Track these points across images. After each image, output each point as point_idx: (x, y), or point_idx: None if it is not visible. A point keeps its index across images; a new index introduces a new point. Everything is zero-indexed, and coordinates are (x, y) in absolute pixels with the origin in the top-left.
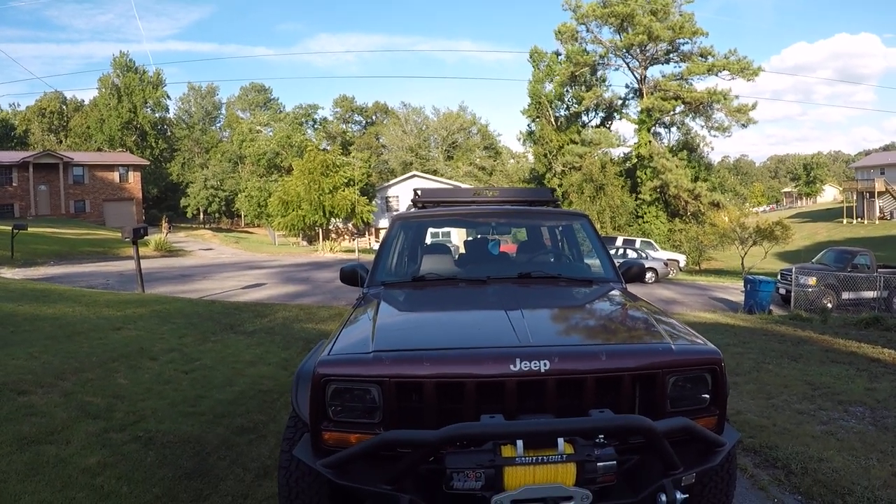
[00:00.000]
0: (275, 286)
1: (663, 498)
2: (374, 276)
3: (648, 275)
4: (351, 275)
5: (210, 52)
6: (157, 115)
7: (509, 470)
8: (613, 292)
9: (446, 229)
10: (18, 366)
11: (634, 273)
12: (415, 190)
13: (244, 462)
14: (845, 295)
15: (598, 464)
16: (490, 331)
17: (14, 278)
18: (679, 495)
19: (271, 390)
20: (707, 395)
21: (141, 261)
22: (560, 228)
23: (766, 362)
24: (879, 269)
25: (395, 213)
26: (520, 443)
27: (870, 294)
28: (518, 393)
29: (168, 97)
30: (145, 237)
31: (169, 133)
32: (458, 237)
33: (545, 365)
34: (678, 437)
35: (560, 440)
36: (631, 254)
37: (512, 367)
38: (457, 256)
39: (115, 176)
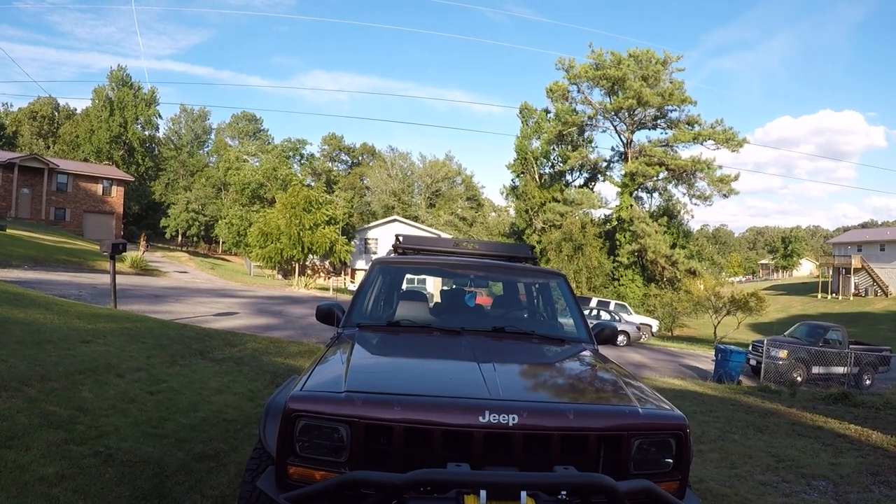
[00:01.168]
0: (247, 316)
1: None
2: (350, 317)
3: (620, 338)
4: (327, 313)
5: (205, 75)
6: (146, 132)
7: None
8: (585, 353)
9: (422, 277)
10: None
11: (607, 335)
12: (396, 236)
13: (202, 489)
14: (815, 369)
15: None
16: (461, 381)
17: None
18: None
19: (235, 420)
20: (671, 460)
21: (119, 276)
22: (537, 286)
23: (732, 432)
24: (851, 346)
25: (373, 255)
26: (483, 493)
27: (840, 369)
28: (485, 444)
29: (159, 116)
30: (123, 253)
31: (156, 152)
32: (433, 285)
33: (513, 419)
34: (639, 499)
35: (523, 494)
36: (605, 316)
37: (480, 418)
38: (432, 305)
39: (99, 188)
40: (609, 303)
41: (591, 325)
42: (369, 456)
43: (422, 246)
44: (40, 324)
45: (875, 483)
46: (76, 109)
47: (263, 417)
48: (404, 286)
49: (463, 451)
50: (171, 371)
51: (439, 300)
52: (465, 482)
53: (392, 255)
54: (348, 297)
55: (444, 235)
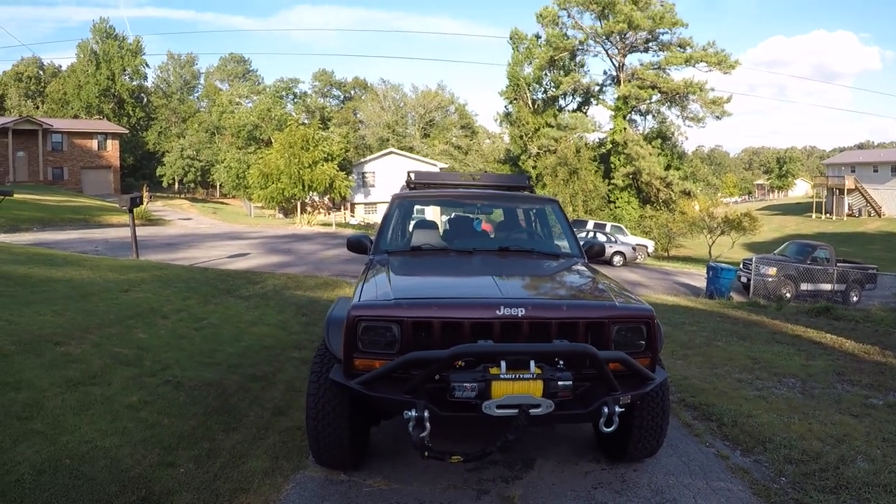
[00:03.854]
0: (259, 256)
1: (606, 409)
2: (378, 245)
3: (617, 258)
4: (357, 244)
5: (188, 19)
6: (135, 82)
7: (495, 384)
8: (576, 265)
9: (423, 207)
10: (47, 321)
11: (596, 251)
12: (408, 172)
13: (261, 402)
14: (804, 286)
15: (559, 382)
16: (480, 286)
17: (9, 242)
18: (617, 409)
19: (274, 346)
20: (643, 342)
21: (121, 229)
22: (534, 211)
23: (717, 340)
24: (838, 264)
25: (371, 188)
26: (503, 363)
27: (827, 286)
28: (501, 332)
29: (147, 65)
30: (140, 206)
31: (146, 101)
32: (432, 215)
33: (521, 311)
34: (617, 368)
35: (532, 363)
36: (601, 237)
37: (497, 312)
38: (441, 231)
39: (94, 144)
40: (605, 225)
41: (581, 243)
42: (414, 347)
43: (432, 181)
44: (80, 279)
45: (839, 381)
46: (61, 66)
47: (326, 329)
48: (424, 216)
49: (485, 338)
50: (207, 309)
51: (447, 227)
52: (491, 353)
53: (405, 189)
54: (352, 231)
55: (441, 165)
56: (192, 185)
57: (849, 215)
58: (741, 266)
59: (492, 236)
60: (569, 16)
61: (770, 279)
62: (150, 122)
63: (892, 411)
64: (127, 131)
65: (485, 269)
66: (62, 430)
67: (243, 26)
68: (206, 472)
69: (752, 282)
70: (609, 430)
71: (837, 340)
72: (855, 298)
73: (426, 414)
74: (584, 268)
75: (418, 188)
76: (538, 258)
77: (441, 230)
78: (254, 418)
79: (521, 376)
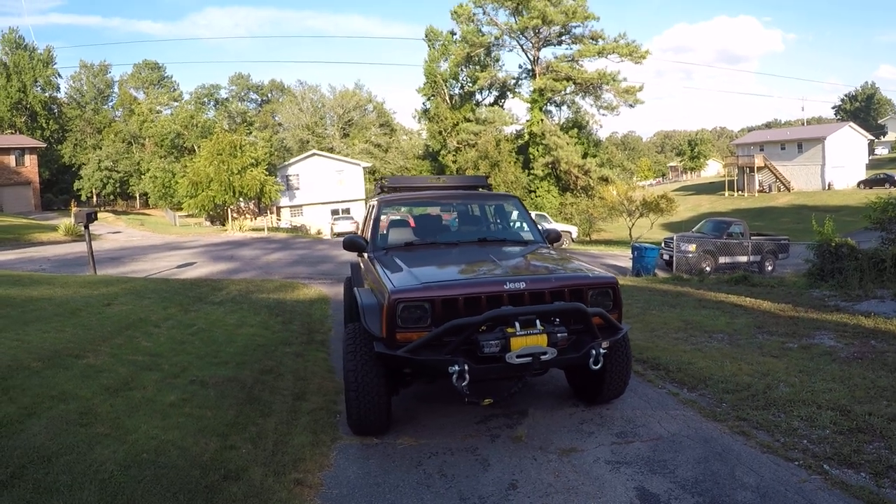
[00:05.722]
0: (207, 264)
1: (593, 352)
2: (375, 244)
3: None
4: (353, 244)
5: (96, 25)
6: (47, 94)
7: (513, 339)
8: (545, 249)
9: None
10: (54, 338)
11: (553, 237)
12: (381, 178)
13: (279, 391)
14: (722, 259)
15: (558, 334)
16: (485, 268)
17: None
18: (602, 351)
19: (266, 344)
20: (611, 302)
21: (55, 246)
22: (498, 206)
23: (651, 309)
24: (752, 237)
25: (296, 191)
26: (517, 323)
27: (744, 258)
28: (509, 301)
29: (59, 75)
30: (95, 221)
31: (59, 113)
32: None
33: (522, 285)
34: (597, 321)
35: (537, 321)
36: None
37: (505, 286)
38: (425, 229)
39: (11, 160)
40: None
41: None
42: (443, 319)
43: (404, 184)
44: (59, 297)
45: (760, 333)
46: None
47: (362, 315)
48: (393, 217)
49: (497, 307)
50: (190, 317)
51: (428, 225)
52: (512, 315)
53: (379, 194)
54: (285, 235)
55: (364, 164)
56: (112, 197)
57: (760, 191)
58: (663, 245)
59: (462, 227)
60: (484, 12)
61: (691, 255)
62: (64, 135)
63: (805, 352)
64: (44, 145)
65: (479, 256)
66: (125, 430)
67: (152, 31)
68: (264, 450)
69: (674, 258)
70: (597, 367)
71: (756, 302)
72: (770, 267)
73: (466, 367)
74: (551, 251)
75: (390, 192)
76: (512, 245)
77: (423, 228)
78: (280, 404)
79: (531, 332)
